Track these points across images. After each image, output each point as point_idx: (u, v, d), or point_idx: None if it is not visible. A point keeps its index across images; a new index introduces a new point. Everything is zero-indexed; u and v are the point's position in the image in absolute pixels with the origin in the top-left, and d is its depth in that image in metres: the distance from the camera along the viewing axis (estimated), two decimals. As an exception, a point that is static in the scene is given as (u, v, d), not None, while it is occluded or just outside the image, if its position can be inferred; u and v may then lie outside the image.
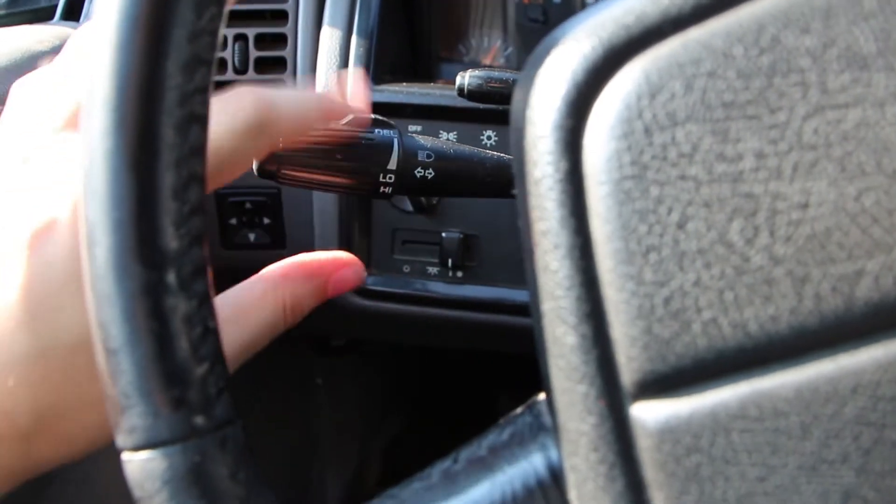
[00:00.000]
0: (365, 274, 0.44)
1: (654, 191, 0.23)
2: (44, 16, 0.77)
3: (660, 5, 0.24)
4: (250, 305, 0.40)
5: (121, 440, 0.26)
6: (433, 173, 0.44)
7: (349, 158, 0.43)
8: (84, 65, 0.27)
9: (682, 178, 0.23)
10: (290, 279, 0.41)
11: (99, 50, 0.25)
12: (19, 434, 0.34)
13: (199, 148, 0.27)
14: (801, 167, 0.23)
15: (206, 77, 0.27)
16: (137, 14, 0.25)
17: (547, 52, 0.26)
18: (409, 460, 1.21)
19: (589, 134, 0.24)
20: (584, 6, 0.75)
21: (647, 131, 0.23)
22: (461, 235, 0.65)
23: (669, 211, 0.23)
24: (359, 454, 1.17)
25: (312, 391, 1.14)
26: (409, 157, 0.44)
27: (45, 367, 0.34)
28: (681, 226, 0.23)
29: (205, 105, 0.27)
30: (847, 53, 0.23)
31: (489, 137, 0.65)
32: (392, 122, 0.45)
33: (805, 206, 0.23)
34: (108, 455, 0.33)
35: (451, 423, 1.20)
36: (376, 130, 0.43)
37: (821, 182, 0.23)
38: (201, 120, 0.27)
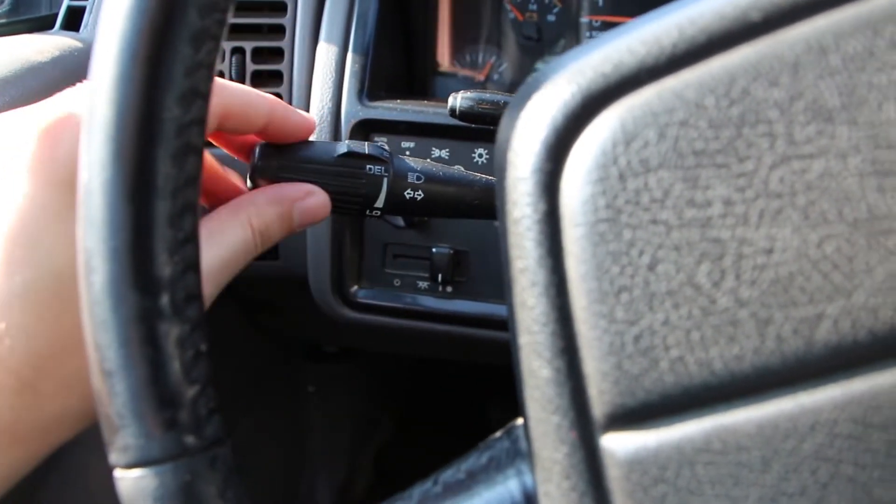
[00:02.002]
0: (330, 205, 0.44)
1: (627, 234, 0.25)
2: (44, 25, 0.77)
3: (636, 55, 0.25)
4: (218, 227, 0.40)
5: (114, 458, 0.27)
6: (422, 195, 0.45)
7: (338, 194, 0.43)
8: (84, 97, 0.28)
9: (654, 222, 0.24)
10: (253, 203, 0.42)
11: (98, 82, 0.26)
12: (21, 384, 0.35)
13: (195, 178, 0.28)
14: (767, 214, 0.24)
15: (202, 109, 0.28)
16: (136, 48, 0.26)
17: (529, 96, 0.27)
18: (399, 468, 1.22)
19: (566, 177, 0.25)
20: (577, 26, 0.76)
21: (622, 177, 0.25)
22: (451, 251, 0.66)
23: (641, 253, 0.24)
24: (349, 462, 1.18)
25: (304, 398, 1.15)
26: (399, 179, 0.44)
27: (36, 303, 0.34)
28: (651, 268, 0.24)
29: (201, 136, 0.28)
30: (813, 106, 0.24)
31: (481, 155, 0.66)
32: (387, 152, 0.45)
33: (770, 251, 0.24)
34: (100, 460, 0.34)
35: (441, 431, 1.21)
36: (367, 167, 0.44)
37: (785, 229, 0.24)
38: (197, 151, 0.28)
